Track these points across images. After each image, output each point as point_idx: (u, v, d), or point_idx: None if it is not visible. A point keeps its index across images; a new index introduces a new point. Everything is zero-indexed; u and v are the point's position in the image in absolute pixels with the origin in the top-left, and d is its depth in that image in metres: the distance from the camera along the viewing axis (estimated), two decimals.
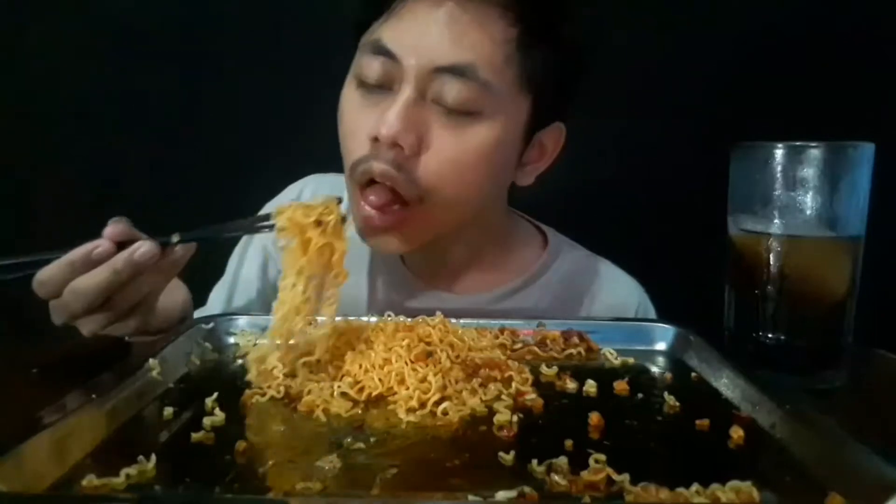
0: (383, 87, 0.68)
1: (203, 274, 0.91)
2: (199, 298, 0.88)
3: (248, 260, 0.90)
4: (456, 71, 0.65)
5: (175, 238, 0.60)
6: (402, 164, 0.67)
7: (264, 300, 0.88)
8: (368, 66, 0.67)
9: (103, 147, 1.27)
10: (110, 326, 0.62)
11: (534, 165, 0.76)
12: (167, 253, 0.60)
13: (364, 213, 0.70)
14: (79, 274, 0.58)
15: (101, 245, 0.58)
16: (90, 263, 0.58)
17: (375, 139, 0.66)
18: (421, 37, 0.66)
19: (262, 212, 0.90)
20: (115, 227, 0.60)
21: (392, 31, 0.67)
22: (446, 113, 0.67)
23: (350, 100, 0.71)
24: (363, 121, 0.68)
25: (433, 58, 0.65)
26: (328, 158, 0.79)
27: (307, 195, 0.90)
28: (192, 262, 0.64)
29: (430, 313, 0.64)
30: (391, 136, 0.65)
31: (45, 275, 0.58)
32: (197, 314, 0.86)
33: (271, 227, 0.59)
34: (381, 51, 0.66)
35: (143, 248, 0.58)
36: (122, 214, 0.63)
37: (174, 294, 0.70)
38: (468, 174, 0.70)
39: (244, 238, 0.92)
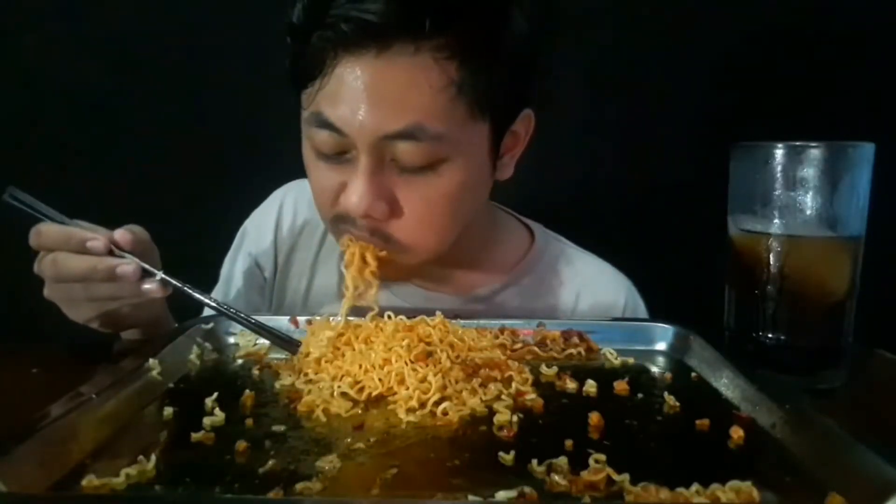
0: (337, 154, 0.66)
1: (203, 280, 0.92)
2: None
3: (237, 267, 0.91)
4: (404, 135, 0.62)
5: (159, 275, 0.64)
6: (378, 230, 0.68)
7: (252, 305, 0.89)
8: (319, 138, 0.66)
9: (96, 148, 1.27)
10: (65, 303, 0.66)
11: (510, 155, 0.76)
12: (145, 280, 0.63)
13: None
14: (67, 249, 0.62)
15: (98, 242, 0.62)
16: (80, 248, 0.62)
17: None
18: (360, 108, 0.62)
19: (247, 222, 0.93)
20: (123, 235, 0.63)
21: (331, 104, 0.63)
22: (408, 171, 0.65)
23: (311, 161, 0.69)
24: (328, 184, 0.68)
25: (378, 128, 0.62)
26: None
27: (289, 204, 0.91)
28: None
29: (428, 313, 0.65)
30: (361, 214, 0.65)
31: (45, 230, 0.63)
32: None
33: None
34: (326, 125, 0.64)
35: (128, 267, 0.62)
36: (114, 215, 0.65)
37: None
38: (445, 220, 0.70)
39: (233, 246, 0.93)
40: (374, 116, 0.62)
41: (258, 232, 0.91)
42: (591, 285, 0.88)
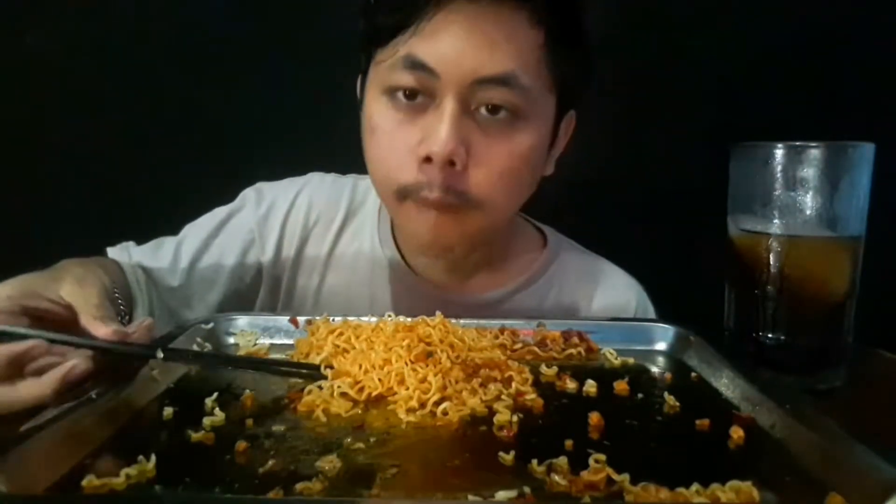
0: (418, 101, 0.68)
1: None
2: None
3: (230, 231, 0.86)
4: (499, 80, 0.65)
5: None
6: (454, 186, 0.68)
7: (235, 277, 0.85)
8: (403, 80, 0.67)
9: (104, 144, 1.27)
10: None
11: (552, 153, 0.78)
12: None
13: (424, 225, 0.71)
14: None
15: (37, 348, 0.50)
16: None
17: (426, 159, 0.66)
18: (460, 50, 0.65)
19: (253, 191, 0.90)
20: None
21: (427, 46, 0.65)
22: (491, 122, 0.68)
23: (384, 116, 0.70)
24: (402, 138, 0.68)
25: (475, 70, 0.65)
26: (331, 153, 0.80)
27: (305, 194, 0.88)
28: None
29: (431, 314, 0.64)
30: (446, 155, 0.65)
31: None
32: (162, 242, 0.84)
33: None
34: (418, 66, 0.65)
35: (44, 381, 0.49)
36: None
37: None
38: (515, 180, 0.72)
39: (230, 206, 0.88)
40: (472, 58, 0.65)
41: (269, 207, 0.87)
42: (602, 289, 0.88)
